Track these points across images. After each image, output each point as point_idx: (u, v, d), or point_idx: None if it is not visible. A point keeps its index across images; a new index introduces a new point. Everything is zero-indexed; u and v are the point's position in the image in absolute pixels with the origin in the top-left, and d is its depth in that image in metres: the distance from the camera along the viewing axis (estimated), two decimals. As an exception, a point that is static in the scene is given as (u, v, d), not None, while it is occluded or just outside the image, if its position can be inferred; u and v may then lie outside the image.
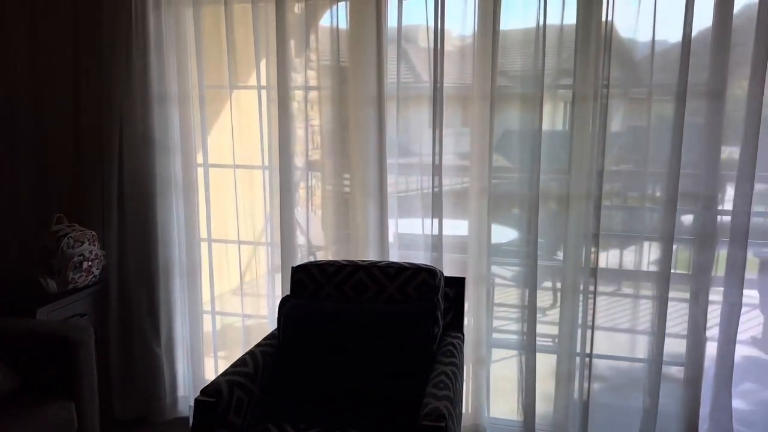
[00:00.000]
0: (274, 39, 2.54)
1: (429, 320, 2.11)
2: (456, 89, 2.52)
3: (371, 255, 2.58)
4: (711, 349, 2.38)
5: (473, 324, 2.56)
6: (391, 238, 2.63)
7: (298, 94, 2.69)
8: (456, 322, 2.34)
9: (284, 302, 2.21)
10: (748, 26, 2.15)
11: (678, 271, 2.42)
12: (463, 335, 2.32)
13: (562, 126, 2.50)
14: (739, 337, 2.33)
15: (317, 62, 2.65)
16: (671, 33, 2.24)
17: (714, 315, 2.38)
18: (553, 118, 2.51)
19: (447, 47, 2.45)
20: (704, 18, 2.21)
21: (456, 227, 2.63)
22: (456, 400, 1.95)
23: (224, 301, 3.06)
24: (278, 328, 2.19)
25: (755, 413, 2.49)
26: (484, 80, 2.40)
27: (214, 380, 1.91)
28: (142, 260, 2.75)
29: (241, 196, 2.81)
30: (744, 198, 2.22)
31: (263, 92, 2.68)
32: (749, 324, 2.73)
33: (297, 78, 2.68)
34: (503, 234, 2.66)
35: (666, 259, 2.32)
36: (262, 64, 2.68)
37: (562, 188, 2.44)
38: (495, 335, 2.65)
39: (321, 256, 2.86)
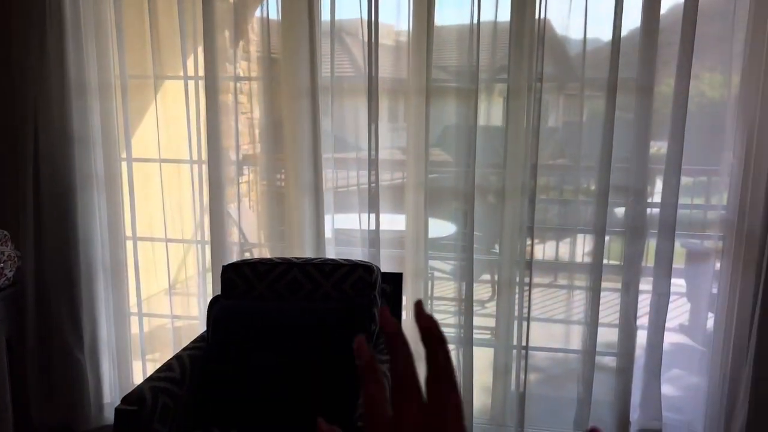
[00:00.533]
0: (213, 31, 2.43)
1: (366, 317, 2.07)
2: (392, 83, 2.48)
3: (307, 252, 2.51)
4: (641, 338, 2.45)
5: (412, 320, 2.53)
6: (328, 234, 2.57)
7: (231, 86, 2.58)
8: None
9: (213, 303, 2.11)
10: (675, 26, 2.20)
11: (610, 263, 2.48)
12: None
13: (498, 121, 2.51)
14: (667, 324, 2.40)
15: (251, 53, 2.55)
16: (602, 31, 2.28)
17: (644, 305, 2.45)
18: (490, 113, 2.51)
19: (383, 41, 2.40)
20: (633, 17, 2.26)
21: (394, 222, 2.60)
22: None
23: (154, 302, 2.92)
24: (207, 331, 2.09)
25: (683, 398, 2.57)
26: (419, 75, 2.37)
27: (137, 387, 1.81)
28: (62, 261, 2.58)
29: (168, 192, 2.68)
30: (671, 190, 2.28)
31: (191, 83, 2.56)
32: (677, 312, 2.83)
33: (231, 69, 2.58)
34: (441, 228, 2.64)
35: (598, 251, 2.36)
36: (192, 53, 2.56)
37: (498, 182, 2.45)
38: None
39: (257, 253, 2.77)
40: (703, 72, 2.34)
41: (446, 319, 2.67)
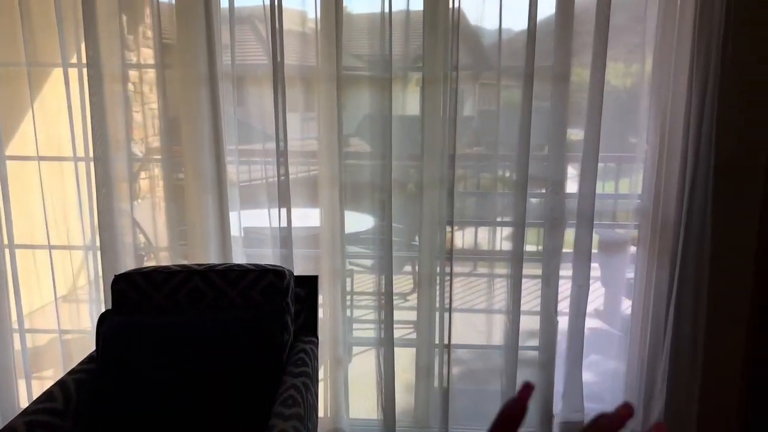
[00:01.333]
0: (93, 13, 2.15)
1: (277, 327, 1.90)
2: (300, 71, 2.31)
3: (213, 255, 2.31)
4: (561, 326, 2.42)
5: (329, 323, 2.39)
6: (235, 233, 2.37)
7: (122, 74, 2.31)
8: (309, 325, 2.14)
9: (102, 319, 1.87)
10: (588, 14, 2.16)
11: (530, 251, 2.42)
12: (317, 338, 2.14)
13: (415, 111, 2.39)
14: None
15: (143, 39, 2.29)
16: (518, 20, 2.21)
17: (564, 295, 2.42)
18: (405, 102, 2.39)
19: (291, 27, 2.23)
20: (548, 5, 2.19)
21: (307, 217, 2.43)
22: (308, 415, 1.76)
23: (39, 317, 2.61)
24: (96, 350, 1.85)
25: (602, 386, 2.57)
26: (329, 62, 2.21)
27: (8, 424, 1.55)
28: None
29: (51, 193, 2.38)
30: (589, 181, 2.24)
31: (74, 71, 2.27)
32: (592, 297, 2.83)
33: (124, 55, 2.30)
34: (358, 222, 2.51)
35: (518, 243, 2.30)
36: (72, 39, 2.27)
37: (416, 173, 2.34)
38: (353, 332, 2.51)
39: (163, 258, 2.52)
40: (617, 60, 2.31)
41: (365, 315, 2.55)
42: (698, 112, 2.10)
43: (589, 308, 2.45)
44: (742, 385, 2.32)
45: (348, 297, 2.63)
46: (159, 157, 2.37)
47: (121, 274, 1.98)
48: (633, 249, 2.45)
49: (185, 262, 2.22)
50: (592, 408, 2.48)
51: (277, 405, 1.67)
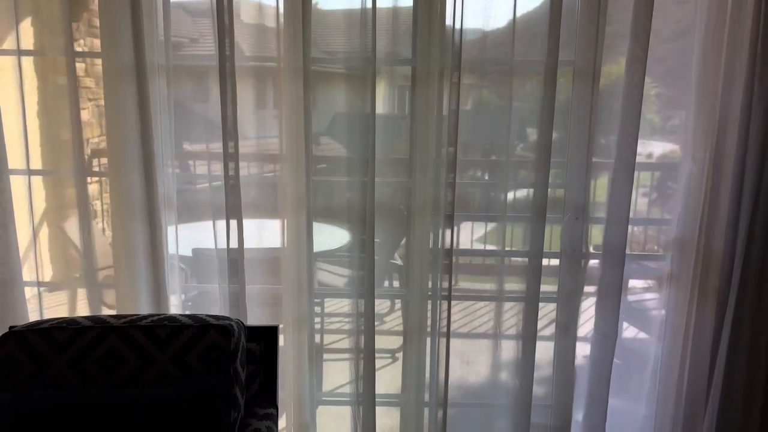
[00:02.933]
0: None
1: (221, 405, 1.41)
2: (256, 64, 1.83)
3: (143, 299, 1.79)
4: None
5: (292, 381, 1.90)
6: (172, 249, 1.87)
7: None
8: (267, 392, 1.65)
9: (-26, 400, 1.35)
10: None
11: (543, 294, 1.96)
12: (277, 409, 1.65)
13: (401, 111, 1.94)
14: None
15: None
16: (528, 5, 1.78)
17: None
18: (387, 102, 1.93)
19: (243, 17, 1.77)
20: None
21: (263, 232, 1.95)
22: None
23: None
24: (-35, 445, 1.33)
25: (616, 427, 2.13)
26: (294, 55, 1.74)
27: None
28: None
29: None
30: (621, 203, 1.80)
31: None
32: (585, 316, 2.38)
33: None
34: (329, 240, 2.04)
35: (533, 284, 1.84)
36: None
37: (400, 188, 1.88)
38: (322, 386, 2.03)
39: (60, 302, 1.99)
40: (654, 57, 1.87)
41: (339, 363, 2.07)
42: (761, 123, 1.67)
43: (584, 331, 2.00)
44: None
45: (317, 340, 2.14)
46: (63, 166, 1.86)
47: (8, 333, 1.46)
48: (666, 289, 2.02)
49: (106, 310, 1.72)
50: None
51: None
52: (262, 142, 1.96)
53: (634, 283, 2.09)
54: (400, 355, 2.07)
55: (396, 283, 2.32)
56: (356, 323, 1.92)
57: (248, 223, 1.87)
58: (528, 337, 1.86)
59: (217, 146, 1.80)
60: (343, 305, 2.12)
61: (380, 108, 1.86)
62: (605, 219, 1.85)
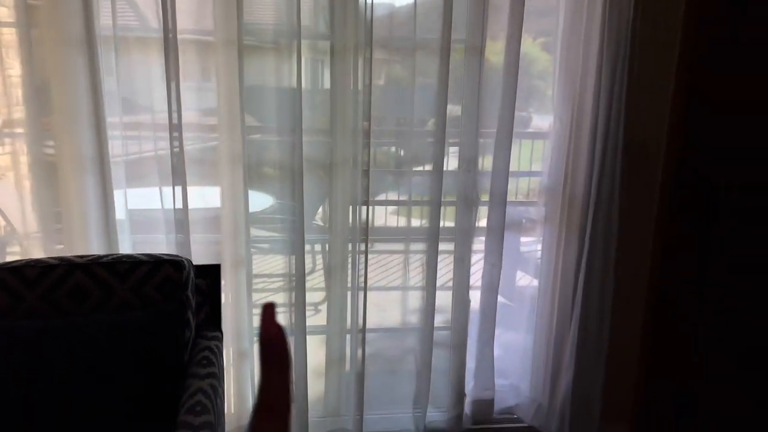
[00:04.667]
0: None
1: (177, 326, 1.70)
2: (195, 36, 2.06)
3: (94, 244, 2.02)
4: (473, 302, 2.41)
5: (232, 314, 2.19)
6: (120, 215, 2.09)
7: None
8: (212, 319, 1.94)
9: (-40, 328, 1.56)
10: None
11: (446, 226, 2.35)
12: (222, 333, 1.95)
13: (324, 83, 2.22)
14: (479, 284, 2.38)
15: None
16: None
17: (475, 270, 2.39)
18: (314, 73, 2.21)
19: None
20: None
21: (204, 197, 2.20)
22: (218, 421, 1.59)
23: None
24: (-47, 366, 1.54)
25: (505, 359, 2.59)
26: (228, 28, 1.98)
27: None
28: None
29: None
30: (502, 159, 2.21)
31: None
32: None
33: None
34: (263, 200, 2.31)
35: (435, 221, 2.22)
36: None
37: (325, 148, 2.18)
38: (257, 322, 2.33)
39: (30, 249, 2.17)
40: (529, 37, 2.28)
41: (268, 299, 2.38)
42: (608, 93, 2.11)
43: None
44: (646, 359, 2.43)
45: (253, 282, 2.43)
46: (22, 130, 2.03)
47: (-19, 272, 1.67)
48: (541, 230, 2.45)
49: (62, 253, 1.93)
50: (499, 384, 2.50)
51: (184, 413, 1.48)
52: (202, 113, 2.18)
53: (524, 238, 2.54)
54: (323, 306, 2.40)
55: (317, 246, 2.65)
56: (288, 257, 2.22)
57: (192, 189, 2.11)
58: (430, 268, 2.25)
59: (162, 117, 2.02)
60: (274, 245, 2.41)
61: (305, 81, 2.14)
62: (491, 172, 2.25)
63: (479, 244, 2.36)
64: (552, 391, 2.43)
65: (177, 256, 1.82)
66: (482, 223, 2.33)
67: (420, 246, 2.30)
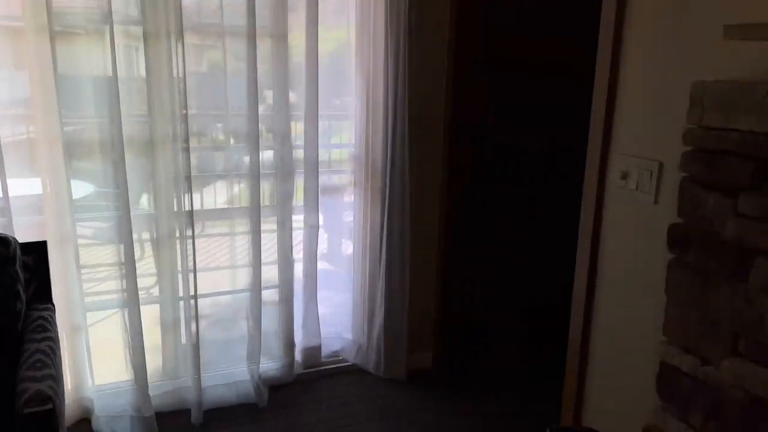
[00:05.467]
0: None
1: (8, 296, 1.79)
2: (4, 22, 2.09)
3: None
4: (298, 269, 2.72)
5: (62, 290, 2.27)
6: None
7: None
8: (42, 293, 2.04)
9: None
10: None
11: (266, 204, 2.61)
12: (54, 305, 2.05)
13: (140, 68, 2.36)
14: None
15: None
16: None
17: (298, 239, 2.70)
18: (127, 59, 2.34)
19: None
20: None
21: (25, 186, 2.25)
22: (59, 376, 1.73)
23: None
24: None
25: (334, 315, 2.95)
26: (37, 13, 2.04)
27: None
28: None
29: None
30: (312, 133, 2.54)
31: None
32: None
33: None
34: (84, 187, 2.40)
35: (255, 194, 2.49)
36: None
37: (144, 133, 2.33)
38: (89, 298, 2.42)
39: None
40: (329, 24, 2.62)
41: (99, 286, 2.48)
42: (394, 77, 2.52)
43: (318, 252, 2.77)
44: (441, 297, 2.92)
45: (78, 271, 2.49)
46: None
47: None
48: (351, 197, 2.82)
49: None
50: (326, 331, 2.85)
51: (24, 370, 1.61)
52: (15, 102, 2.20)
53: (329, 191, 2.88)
54: (155, 290, 2.55)
55: (148, 234, 2.75)
56: (117, 235, 2.35)
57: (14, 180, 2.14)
58: (255, 231, 2.51)
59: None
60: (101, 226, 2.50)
61: (121, 68, 2.25)
62: (303, 145, 2.57)
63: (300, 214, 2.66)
64: (369, 332, 2.84)
65: (3, 233, 1.89)
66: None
67: (244, 218, 2.55)
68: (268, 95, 2.50)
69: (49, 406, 1.45)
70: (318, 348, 2.83)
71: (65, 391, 2.32)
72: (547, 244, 2.94)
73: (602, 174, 2.00)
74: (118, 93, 2.18)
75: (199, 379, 2.50)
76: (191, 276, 2.43)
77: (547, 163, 3.06)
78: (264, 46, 2.40)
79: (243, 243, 2.60)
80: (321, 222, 2.98)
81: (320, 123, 2.57)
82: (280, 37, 2.42)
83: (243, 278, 2.61)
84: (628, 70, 1.87)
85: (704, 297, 1.45)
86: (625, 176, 1.90)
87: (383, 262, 2.72)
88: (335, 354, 2.91)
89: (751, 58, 1.44)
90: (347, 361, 2.91)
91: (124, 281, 2.35)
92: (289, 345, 2.71)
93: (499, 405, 2.68)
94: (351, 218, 2.86)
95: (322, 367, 2.86)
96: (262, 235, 2.53)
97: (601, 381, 2.05)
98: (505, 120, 2.95)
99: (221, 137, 2.62)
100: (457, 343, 2.98)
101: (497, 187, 2.98)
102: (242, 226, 2.58)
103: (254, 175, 2.47)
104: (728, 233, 1.37)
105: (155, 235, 2.46)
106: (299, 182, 2.63)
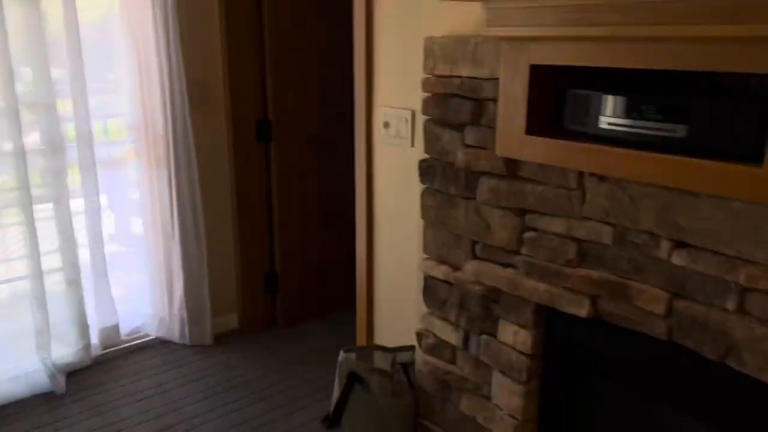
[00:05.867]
0: None
1: None
2: None
3: None
4: (85, 254, 2.61)
5: None
6: None
7: None
8: None
9: None
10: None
11: (38, 182, 2.45)
12: None
13: None
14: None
15: None
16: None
17: (80, 220, 2.57)
18: None
19: None
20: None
21: None
22: None
23: None
24: None
25: (129, 294, 2.88)
26: None
27: None
28: None
29: None
30: (83, 107, 2.43)
31: None
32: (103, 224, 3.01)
33: None
34: None
35: (22, 175, 2.33)
36: None
37: None
38: None
39: None
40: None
41: None
42: (165, 37, 2.51)
43: (104, 234, 2.66)
44: (241, 257, 3.01)
45: None
46: None
47: None
48: (135, 172, 2.74)
49: None
50: (124, 310, 2.79)
51: None
52: None
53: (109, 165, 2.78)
54: None
55: None
56: None
57: None
58: (26, 212, 2.36)
59: None
60: None
61: None
62: (74, 117, 2.45)
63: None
64: (170, 303, 2.84)
65: None
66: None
67: (15, 206, 2.37)
68: (23, 66, 2.33)
69: None
70: (116, 327, 2.77)
71: None
72: (335, 191, 3.17)
73: (369, 125, 2.26)
74: None
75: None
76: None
77: (337, 122, 3.25)
78: (13, 15, 2.23)
79: (17, 231, 2.42)
80: (105, 203, 2.87)
81: (93, 96, 2.46)
82: (30, 3, 2.26)
83: (20, 266, 2.43)
84: (381, 31, 2.13)
85: (449, 216, 1.77)
86: (387, 125, 2.18)
87: (177, 232, 2.72)
88: (136, 330, 2.87)
89: (466, 16, 1.75)
90: (150, 336, 2.89)
91: None
92: (83, 328, 2.61)
93: (306, 344, 2.90)
94: (137, 195, 2.80)
95: (123, 345, 2.80)
96: (37, 220, 2.38)
97: (385, 303, 2.35)
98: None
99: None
100: (260, 298, 3.10)
101: (284, 148, 3.11)
102: (13, 216, 2.39)
103: (19, 153, 2.30)
104: (459, 161, 1.69)
105: None
106: (75, 165, 2.51)
